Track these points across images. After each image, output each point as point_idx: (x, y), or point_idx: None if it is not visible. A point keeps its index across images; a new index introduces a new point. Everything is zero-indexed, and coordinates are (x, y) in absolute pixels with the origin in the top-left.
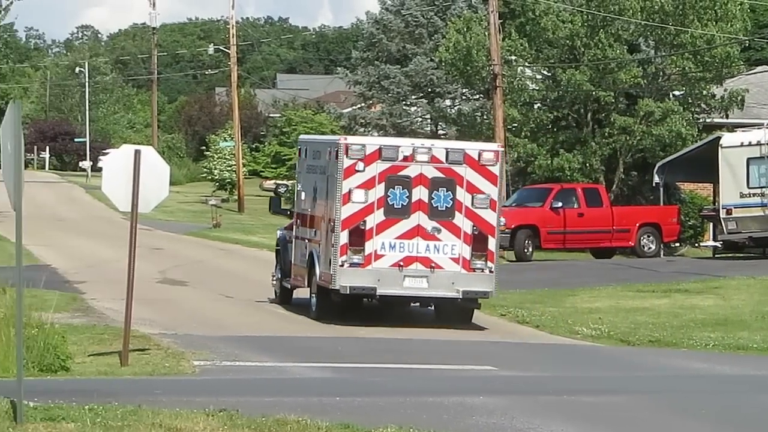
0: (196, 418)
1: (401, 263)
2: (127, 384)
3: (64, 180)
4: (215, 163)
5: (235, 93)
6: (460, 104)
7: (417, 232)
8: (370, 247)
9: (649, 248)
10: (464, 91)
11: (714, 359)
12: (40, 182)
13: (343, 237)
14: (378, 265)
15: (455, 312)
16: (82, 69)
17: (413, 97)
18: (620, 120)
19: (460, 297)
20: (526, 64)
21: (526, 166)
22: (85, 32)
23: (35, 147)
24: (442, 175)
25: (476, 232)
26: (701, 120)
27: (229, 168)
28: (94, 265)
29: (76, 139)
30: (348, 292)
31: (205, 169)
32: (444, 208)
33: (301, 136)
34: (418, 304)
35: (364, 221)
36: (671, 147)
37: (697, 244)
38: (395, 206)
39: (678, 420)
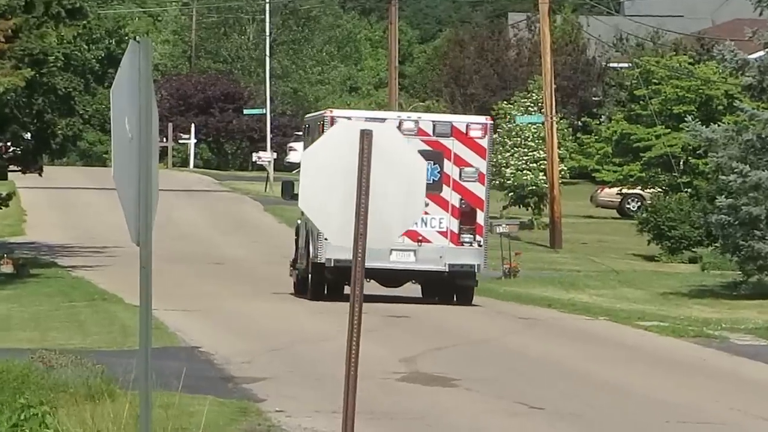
0: None
1: None
2: None
3: (224, 186)
4: (507, 155)
5: (545, 24)
6: None
7: None
8: None
9: None
10: None
11: None
12: (180, 191)
13: None
14: None
15: (450, 290)
16: None
17: None
18: None
19: (446, 271)
20: None
21: None
22: None
23: (170, 125)
24: (429, 148)
25: (464, 206)
26: None
27: (533, 165)
28: (280, 346)
29: (245, 111)
30: (332, 265)
31: None
32: (431, 181)
33: (308, 116)
34: (414, 281)
35: None
36: None
37: None
38: None
39: None
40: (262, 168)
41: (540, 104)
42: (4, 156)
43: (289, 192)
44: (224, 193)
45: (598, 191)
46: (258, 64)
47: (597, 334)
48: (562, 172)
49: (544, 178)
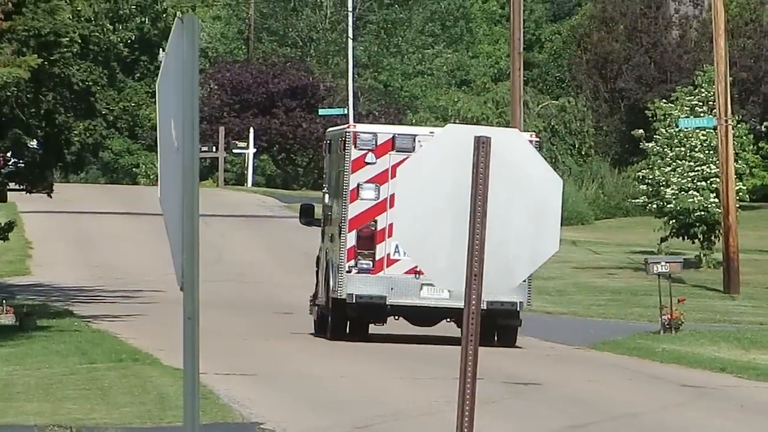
0: None
1: (418, 269)
2: None
3: (292, 211)
4: (668, 170)
5: None
6: None
7: None
8: (381, 250)
9: None
10: None
11: None
12: (235, 217)
13: (351, 239)
14: (391, 272)
15: (491, 329)
16: None
17: None
18: None
19: (485, 309)
20: None
21: None
22: None
23: (221, 129)
24: None
25: None
26: None
27: (702, 183)
28: (368, 421)
29: (321, 110)
30: (354, 302)
31: (640, 186)
32: None
33: (329, 130)
34: (452, 320)
35: (375, 221)
36: None
37: None
38: None
39: None
40: None
41: (711, 103)
42: (2, 171)
43: (308, 216)
44: (293, 219)
45: None
46: (338, 50)
47: None
48: (741, 193)
49: (717, 200)
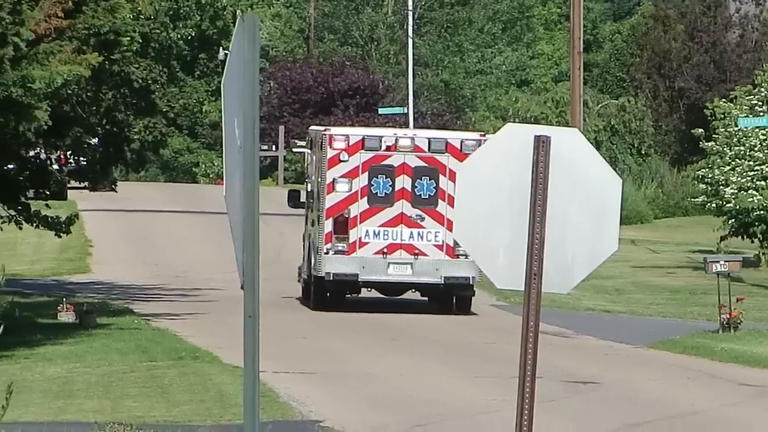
0: None
1: (385, 250)
2: None
3: None
4: (727, 169)
5: None
6: None
7: (401, 219)
8: (354, 235)
9: None
10: None
11: None
12: (294, 216)
13: (328, 225)
14: (362, 253)
15: (449, 299)
16: None
17: None
18: None
19: (443, 283)
20: None
21: None
22: None
23: (281, 129)
24: (424, 164)
25: None
26: None
27: (762, 183)
28: (427, 419)
29: (381, 110)
30: (332, 279)
31: (700, 185)
32: (427, 196)
33: (312, 127)
34: (417, 293)
35: (348, 210)
36: None
37: None
38: (379, 195)
39: None
40: None
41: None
42: (64, 168)
43: (294, 200)
44: None
45: None
46: (399, 49)
47: None
48: None
49: None
